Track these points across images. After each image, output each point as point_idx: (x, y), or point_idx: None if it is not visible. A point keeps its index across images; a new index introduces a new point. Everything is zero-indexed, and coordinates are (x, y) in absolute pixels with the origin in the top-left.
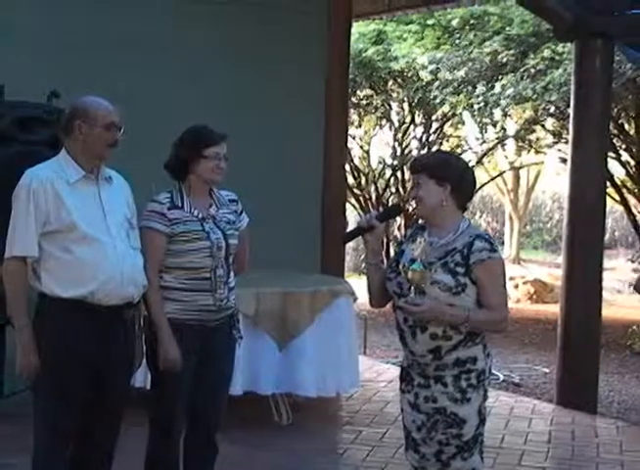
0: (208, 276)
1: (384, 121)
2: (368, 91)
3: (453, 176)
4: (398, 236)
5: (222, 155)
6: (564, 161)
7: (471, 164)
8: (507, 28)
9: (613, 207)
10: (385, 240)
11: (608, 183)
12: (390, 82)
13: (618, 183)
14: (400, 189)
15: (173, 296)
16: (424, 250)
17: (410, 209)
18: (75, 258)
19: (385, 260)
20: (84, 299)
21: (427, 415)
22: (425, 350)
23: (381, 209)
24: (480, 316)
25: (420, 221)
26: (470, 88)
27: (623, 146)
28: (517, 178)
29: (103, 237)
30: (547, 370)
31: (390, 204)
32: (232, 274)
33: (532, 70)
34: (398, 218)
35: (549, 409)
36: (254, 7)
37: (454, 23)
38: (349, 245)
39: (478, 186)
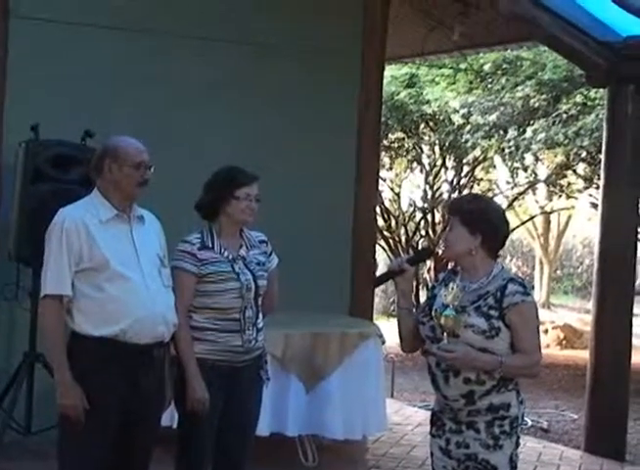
0: (237, 317)
1: (415, 164)
2: (400, 134)
3: (486, 228)
4: (428, 279)
5: (253, 196)
6: (595, 206)
7: None
8: (539, 73)
9: None
10: (414, 283)
11: (639, 229)
12: (422, 125)
13: None
14: (430, 232)
15: (202, 336)
16: (456, 296)
17: (439, 252)
18: (107, 296)
19: (415, 305)
20: (115, 337)
21: (458, 461)
22: (457, 394)
23: (410, 251)
24: (513, 362)
25: (452, 265)
26: (501, 132)
27: None
28: (547, 223)
29: (135, 275)
30: (576, 416)
31: (421, 247)
32: (261, 315)
33: (564, 115)
34: (428, 262)
35: (577, 456)
36: (287, 50)
37: (486, 67)
38: (378, 287)
39: None
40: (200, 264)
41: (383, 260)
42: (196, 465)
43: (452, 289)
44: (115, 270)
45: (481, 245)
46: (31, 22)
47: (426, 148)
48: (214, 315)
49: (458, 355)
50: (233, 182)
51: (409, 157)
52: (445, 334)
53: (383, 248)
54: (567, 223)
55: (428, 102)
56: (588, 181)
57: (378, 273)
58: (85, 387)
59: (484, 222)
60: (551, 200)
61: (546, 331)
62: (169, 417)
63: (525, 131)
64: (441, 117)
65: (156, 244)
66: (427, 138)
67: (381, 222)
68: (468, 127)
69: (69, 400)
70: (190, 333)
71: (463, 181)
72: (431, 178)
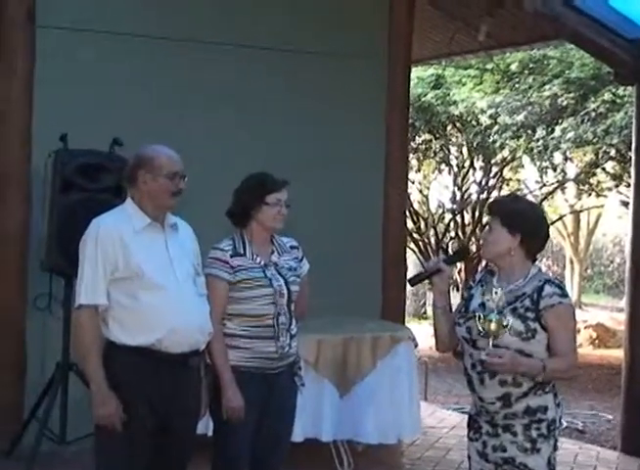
0: (271, 323)
1: (443, 166)
2: (427, 136)
3: (526, 228)
4: (458, 280)
5: (283, 201)
6: (625, 204)
7: None
8: (567, 72)
9: None
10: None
11: None
12: (450, 127)
13: None
14: (460, 233)
15: (236, 343)
16: (501, 299)
17: (471, 253)
18: (142, 305)
19: (450, 304)
20: (151, 346)
21: (495, 465)
22: (493, 396)
23: (441, 253)
24: (554, 365)
25: (487, 265)
26: (529, 132)
27: None
28: (577, 222)
29: (170, 284)
30: (611, 417)
31: (458, 247)
32: (294, 321)
33: (593, 114)
34: (459, 263)
35: (613, 457)
36: (314, 55)
37: (513, 66)
38: (409, 290)
39: None
40: (232, 271)
41: (412, 263)
42: None
43: (496, 293)
44: (150, 279)
45: (520, 245)
46: (57, 31)
47: (453, 149)
48: (248, 322)
49: (506, 361)
50: (263, 188)
51: (437, 158)
52: (490, 338)
53: (412, 250)
54: (596, 222)
55: (455, 103)
56: (618, 179)
57: (409, 276)
58: (121, 396)
59: (525, 223)
60: (580, 198)
61: (579, 331)
62: (205, 425)
63: (553, 130)
64: (469, 118)
65: (190, 252)
66: (454, 139)
67: (410, 225)
68: (496, 128)
69: (106, 410)
70: (224, 341)
71: (491, 182)
72: (459, 179)
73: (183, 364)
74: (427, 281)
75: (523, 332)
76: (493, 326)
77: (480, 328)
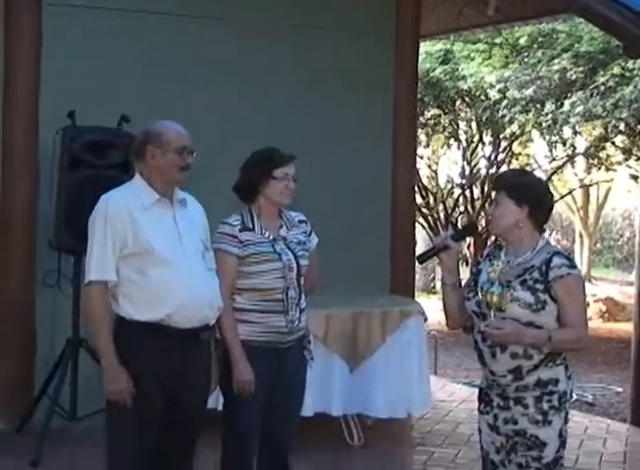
0: (280, 298)
1: (452, 141)
2: (436, 111)
3: (532, 199)
4: (467, 255)
5: (291, 175)
6: (634, 178)
7: None
8: (576, 45)
9: None
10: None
11: None
12: (458, 102)
13: None
14: (469, 208)
15: (245, 317)
16: (502, 271)
17: (480, 228)
18: (152, 280)
19: (459, 280)
20: (161, 322)
21: (506, 437)
22: (505, 369)
23: (450, 228)
24: (561, 336)
25: (497, 240)
26: (538, 106)
27: None
28: (587, 196)
29: (179, 259)
30: (620, 389)
31: (466, 223)
32: (303, 296)
33: (602, 88)
34: (468, 238)
35: (623, 429)
36: (320, 30)
37: (522, 41)
38: (418, 264)
39: None
40: (241, 246)
41: (422, 238)
42: (242, 446)
43: (497, 265)
44: (160, 255)
45: (528, 217)
46: (65, 8)
47: (462, 124)
48: (257, 297)
49: (507, 332)
50: (270, 163)
51: (446, 133)
52: (492, 310)
53: (422, 225)
54: (606, 196)
55: (463, 78)
56: (627, 153)
57: (418, 251)
58: (131, 371)
59: (531, 194)
60: (590, 173)
61: (588, 304)
62: (215, 400)
63: (562, 104)
64: (477, 93)
65: (198, 227)
66: (463, 114)
67: (419, 200)
68: (504, 102)
69: (117, 386)
70: (234, 315)
71: (501, 156)
72: (468, 154)
73: (193, 339)
74: (435, 257)
75: (532, 304)
76: (495, 298)
77: (483, 300)
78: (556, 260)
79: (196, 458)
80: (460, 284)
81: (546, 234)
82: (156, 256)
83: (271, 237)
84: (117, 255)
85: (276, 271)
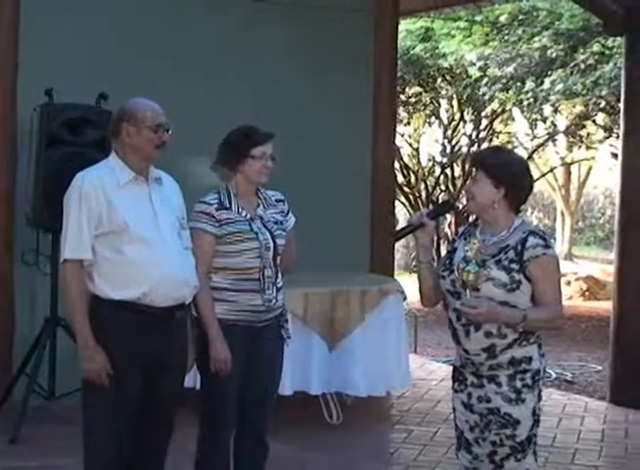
0: (257, 277)
1: (433, 119)
2: (417, 89)
3: (509, 180)
4: (449, 234)
5: (268, 154)
6: (615, 156)
7: None
8: (556, 23)
9: None
10: (435, 238)
11: None
12: (439, 80)
13: None
14: (450, 186)
15: (222, 296)
16: (478, 250)
17: (460, 206)
18: (127, 259)
19: (435, 259)
20: (137, 300)
21: (480, 415)
22: (479, 348)
23: (431, 206)
24: (536, 315)
25: (472, 219)
26: (519, 84)
27: None
28: (568, 174)
29: (154, 238)
30: (600, 367)
31: (441, 201)
32: (280, 275)
33: (582, 65)
34: (448, 216)
35: (602, 407)
36: (300, 8)
37: (502, 18)
38: (399, 243)
39: None
40: (218, 225)
41: (403, 215)
42: (219, 425)
43: (474, 244)
44: (135, 233)
45: (504, 198)
46: None
47: (443, 102)
48: (234, 276)
49: (482, 311)
50: (248, 141)
51: (427, 111)
52: (467, 289)
53: (403, 203)
54: (587, 174)
55: (444, 55)
56: (608, 131)
57: (398, 228)
58: (108, 350)
59: (509, 175)
60: (571, 151)
61: (569, 283)
62: (192, 378)
63: (542, 82)
64: (458, 71)
65: (174, 206)
66: (444, 92)
67: (400, 178)
68: (485, 80)
69: (93, 365)
70: (211, 294)
71: (482, 134)
72: (449, 132)
73: (169, 318)
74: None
75: (507, 283)
76: (471, 277)
77: (458, 278)
78: (531, 240)
79: (173, 437)
80: (436, 262)
81: (527, 213)
82: (131, 234)
83: (248, 216)
84: (93, 233)
85: (253, 250)
